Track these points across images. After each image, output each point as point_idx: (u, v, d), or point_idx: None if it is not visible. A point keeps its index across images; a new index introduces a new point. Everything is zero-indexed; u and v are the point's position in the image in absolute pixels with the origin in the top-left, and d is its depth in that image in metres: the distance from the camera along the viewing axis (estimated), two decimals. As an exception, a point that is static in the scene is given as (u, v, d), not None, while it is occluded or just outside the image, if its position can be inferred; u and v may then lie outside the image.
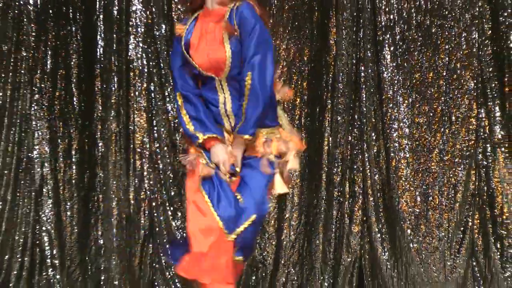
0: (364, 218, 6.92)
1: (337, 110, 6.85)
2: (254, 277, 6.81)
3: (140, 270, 6.81)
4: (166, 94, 6.82)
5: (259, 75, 4.39)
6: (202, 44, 4.66)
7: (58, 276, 6.77)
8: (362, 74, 6.87)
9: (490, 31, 6.80)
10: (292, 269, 6.80)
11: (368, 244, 6.87)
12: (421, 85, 6.89)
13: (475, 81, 6.85)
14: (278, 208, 6.82)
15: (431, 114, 6.89)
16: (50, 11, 6.75)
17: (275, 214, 6.83)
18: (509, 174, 6.80)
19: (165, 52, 6.81)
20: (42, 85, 6.77)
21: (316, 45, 6.88)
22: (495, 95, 6.81)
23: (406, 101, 6.89)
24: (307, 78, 6.96)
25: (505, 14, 6.80)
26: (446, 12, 6.87)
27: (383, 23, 6.86)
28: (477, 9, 6.80)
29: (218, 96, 4.67)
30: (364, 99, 6.84)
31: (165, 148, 6.85)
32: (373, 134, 6.88)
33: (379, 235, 6.88)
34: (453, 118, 6.87)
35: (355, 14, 6.87)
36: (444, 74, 6.88)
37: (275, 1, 6.83)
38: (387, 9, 6.89)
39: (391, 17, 6.88)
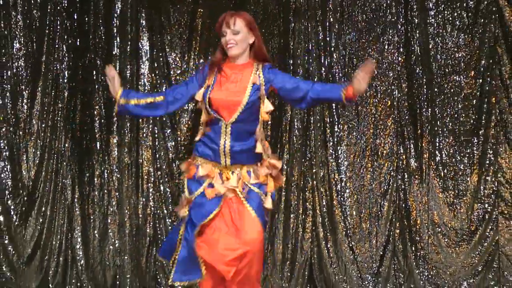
0: (313, 228, 8.19)
1: (292, 147, 8.23)
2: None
3: (146, 267, 8.20)
4: (167, 135, 8.31)
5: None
6: (224, 86, 5.11)
7: (84, 272, 8.19)
8: (312, 119, 8.21)
9: (406, 89, 8.21)
10: None
11: (316, 247, 8.19)
12: (358, 130, 8.24)
13: (395, 126, 8.22)
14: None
15: (363, 150, 8.24)
16: (80, 75, 8.33)
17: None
18: (420, 195, 8.14)
19: None
20: (73, 135, 8.25)
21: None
22: (410, 136, 8.19)
23: (344, 139, 8.25)
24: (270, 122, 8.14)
25: (418, 72, 8.21)
26: (377, 74, 8.20)
27: (323, 72, 8.23)
28: (397, 73, 8.24)
29: (220, 138, 5.11)
30: (313, 138, 8.21)
31: (165, 176, 8.33)
32: (320, 165, 8.23)
33: (324, 241, 8.19)
34: (379, 153, 8.23)
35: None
36: (373, 120, 8.23)
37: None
38: (338, 67, 8.27)
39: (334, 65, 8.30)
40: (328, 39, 8.40)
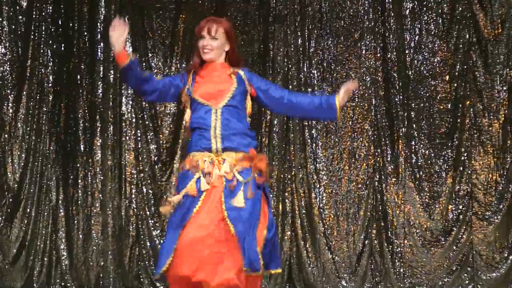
0: (292, 228, 8.43)
1: (272, 150, 8.48)
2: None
3: (129, 267, 8.41)
4: (149, 138, 8.53)
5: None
6: (207, 80, 5.19)
7: (68, 272, 8.35)
8: (291, 122, 8.47)
9: (383, 93, 8.44)
10: None
11: (295, 247, 8.42)
12: (336, 133, 8.50)
13: (372, 129, 8.46)
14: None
15: (341, 152, 8.48)
16: (64, 80, 8.51)
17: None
18: (396, 196, 8.37)
19: (148, 108, 8.53)
20: (57, 138, 8.47)
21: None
22: (387, 139, 8.42)
23: (322, 142, 8.50)
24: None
25: (395, 76, 8.45)
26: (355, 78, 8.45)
27: (302, 77, 8.45)
28: (374, 77, 8.47)
29: (211, 122, 5.08)
30: (292, 141, 8.47)
31: (148, 178, 8.53)
32: (298, 168, 8.48)
33: (303, 241, 8.42)
34: (357, 155, 8.47)
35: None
36: (350, 123, 8.49)
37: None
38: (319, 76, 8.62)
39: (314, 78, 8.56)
40: (307, 44, 8.60)
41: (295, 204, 8.54)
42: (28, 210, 8.40)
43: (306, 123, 8.57)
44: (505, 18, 8.47)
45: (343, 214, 8.50)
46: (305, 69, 8.63)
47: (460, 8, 8.52)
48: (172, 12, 8.71)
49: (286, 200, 8.55)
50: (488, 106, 8.46)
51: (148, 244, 8.53)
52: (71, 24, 8.65)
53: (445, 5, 8.56)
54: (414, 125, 8.50)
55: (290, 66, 8.62)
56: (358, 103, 8.57)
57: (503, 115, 8.42)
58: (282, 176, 8.56)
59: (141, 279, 8.49)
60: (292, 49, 8.63)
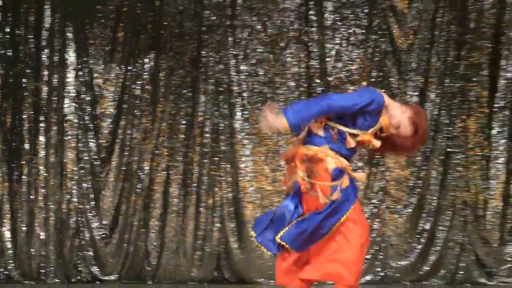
0: (221, 220, 9.05)
1: (203, 149, 9.12)
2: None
3: (70, 257, 9.04)
4: (89, 137, 9.16)
5: None
6: None
7: (12, 262, 8.95)
8: (221, 124, 9.12)
9: (305, 98, 9.02)
10: (170, 254, 9.06)
11: (224, 238, 9.04)
12: (261, 133, 9.03)
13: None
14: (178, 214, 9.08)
15: (267, 151, 9.12)
16: (11, 83, 9.15)
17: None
18: (317, 191, 9.22)
19: (89, 110, 9.17)
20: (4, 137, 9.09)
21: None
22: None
23: (249, 141, 9.12)
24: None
25: (317, 82, 9.07)
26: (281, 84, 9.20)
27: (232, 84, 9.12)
28: (298, 83, 9.16)
29: None
30: (222, 140, 9.11)
31: (88, 175, 9.15)
32: (228, 164, 9.13)
33: (231, 232, 9.02)
34: (280, 153, 8.58)
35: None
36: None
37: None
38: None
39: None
40: (236, 52, 9.29)
41: (223, 198, 9.20)
42: (-22, 203, 8.98)
43: (236, 124, 9.24)
44: (417, 30, 9.23)
45: (268, 206, 9.09)
46: (235, 76, 9.29)
47: (377, 21, 9.24)
48: (112, 21, 9.35)
49: (215, 194, 9.21)
50: (401, 109, 9.16)
51: (88, 235, 9.16)
52: (17, 31, 9.27)
53: (363, 18, 9.27)
54: (334, 127, 9.17)
55: (221, 73, 9.28)
56: (284, 106, 9.13)
57: (414, 118, 9.12)
58: (212, 171, 9.24)
59: (80, 269, 9.13)
60: (224, 57, 9.29)
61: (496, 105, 9.15)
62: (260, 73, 9.27)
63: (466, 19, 9.15)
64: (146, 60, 9.32)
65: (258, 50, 9.28)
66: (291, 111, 5.23)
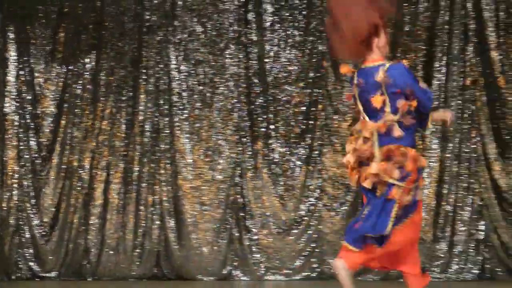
0: (161, 218, 9.20)
1: (143, 148, 9.24)
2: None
3: (9, 254, 9.12)
4: (30, 136, 9.25)
5: None
6: None
7: None
8: (161, 123, 9.25)
9: (244, 97, 9.26)
10: (110, 251, 9.19)
11: (164, 236, 9.19)
12: (202, 132, 9.26)
13: (235, 129, 9.27)
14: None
15: (207, 149, 9.25)
16: None
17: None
18: (255, 189, 9.20)
19: (30, 109, 9.26)
20: None
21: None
22: (247, 138, 9.24)
23: (189, 139, 9.28)
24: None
25: (256, 82, 9.32)
26: (220, 83, 9.44)
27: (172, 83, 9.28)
28: (237, 83, 9.35)
29: None
30: (162, 139, 9.27)
31: (28, 173, 9.25)
32: (168, 163, 9.27)
33: (170, 229, 9.17)
34: (221, 152, 9.25)
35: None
36: (216, 124, 9.30)
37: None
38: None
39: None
40: (177, 53, 9.43)
41: (163, 196, 9.35)
42: None
43: (176, 124, 9.38)
44: (353, 32, 9.42)
45: (207, 204, 9.32)
46: (175, 76, 9.43)
47: (315, 23, 9.44)
48: (54, 21, 9.44)
49: (155, 192, 9.36)
50: (337, 109, 9.39)
51: (28, 233, 9.24)
52: (-39, 31, 9.33)
53: (301, 20, 9.46)
54: (272, 126, 9.38)
55: (162, 73, 9.42)
56: (223, 105, 9.43)
57: (350, 117, 9.35)
58: (152, 170, 9.38)
59: (20, 265, 9.23)
60: (164, 57, 9.42)
61: (429, 105, 9.31)
62: (199, 74, 9.42)
63: (401, 22, 9.34)
64: (87, 60, 9.44)
65: (198, 50, 9.43)
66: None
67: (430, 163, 9.27)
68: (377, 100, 5.20)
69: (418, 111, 5.30)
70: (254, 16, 9.49)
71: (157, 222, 9.30)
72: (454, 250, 9.18)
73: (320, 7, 9.42)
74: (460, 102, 9.28)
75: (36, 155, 9.36)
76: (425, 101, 5.26)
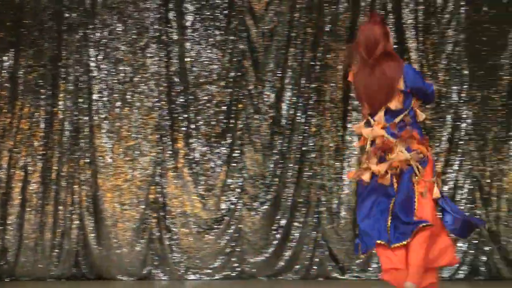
0: (80, 217, 9.16)
1: (63, 146, 9.22)
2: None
3: None
4: None
5: None
6: None
7: None
8: (79, 122, 9.26)
9: (165, 96, 9.35)
10: (28, 250, 9.11)
11: (82, 235, 9.17)
12: (122, 131, 9.24)
13: (156, 128, 9.30)
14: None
15: (127, 149, 9.24)
16: None
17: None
18: (175, 189, 9.22)
19: None
20: None
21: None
22: (168, 137, 9.26)
23: (109, 138, 9.24)
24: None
25: (176, 81, 9.35)
26: (141, 82, 9.45)
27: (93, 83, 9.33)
28: (158, 82, 9.50)
29: None
30: (82, 138, 9.23)
31: None
32: (86, 164, 9.22)
33: (90, 228, 9.15)
34: (142, 151, 9.23)
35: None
36: (136, 123, 9.34)
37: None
38: None
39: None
40: (97, 52, 9.41)
41: (82, 195, 9.32)
42: None
43: (95, 122, 9.35)
44: (274, 31, 9.50)
45: (127, 203, 9.31)
46: (95, 74, 9.40)
47: (235, 22, 9.48)
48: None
49: (74, 191, 9.32)
50: (258, 109, 9.45)
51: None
52: None
53: (222, 19, 9.49)
54: (192, 125, 9.40)
55: (81, 72, 9.38)
56: (143, 104, 9.42)
57: (271, 117, 9.40)
58: (71, 170, 9.35)
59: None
60: (84, 55, 9.40)
61: (350, 106, 9.43)
62: (120, 72, 9.40)
63: (321, 22, 9.40)
64: (5, 58, 9.32)
65: (118, 49, 9.40)
66: None
67: (350, 163, 9.39)
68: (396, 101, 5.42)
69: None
70: (175, 15, 9.48)
71: (76, 222, 9.24)
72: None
73: (240, 7, 9.44)
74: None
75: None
76: (429, 97, 5.61)
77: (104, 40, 9.42)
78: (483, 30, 9.36)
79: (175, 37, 9.49)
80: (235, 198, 9.40)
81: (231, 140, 9.47)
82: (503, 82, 9.33)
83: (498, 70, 9.33)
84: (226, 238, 9.34)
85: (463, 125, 9.33)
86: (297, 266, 9.33)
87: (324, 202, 9.39)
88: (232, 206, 9.38)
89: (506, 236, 9.17)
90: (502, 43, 9.35)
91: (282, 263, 9.32)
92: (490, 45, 9.34)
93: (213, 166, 9.44)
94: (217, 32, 9.53)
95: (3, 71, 9.32)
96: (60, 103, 9.34)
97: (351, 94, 9.40)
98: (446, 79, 9.37)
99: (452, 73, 9.37)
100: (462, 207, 9.11)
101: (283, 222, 9.37)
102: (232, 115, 9.48)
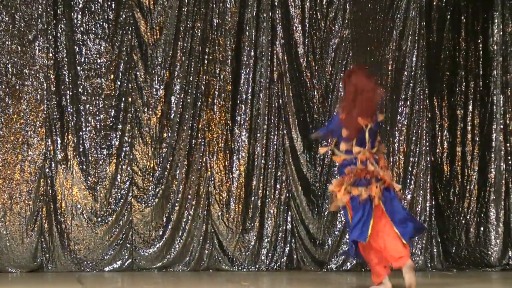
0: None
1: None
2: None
3: None
4: None
5: None
6: None
7: None
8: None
9: (54, 87, 9.28)
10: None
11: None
12: (9, 126, 9.28)
13: (44, 121, 9.25)
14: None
15: (14, 145, 9.28)
16: None
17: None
18: (65, 181, 9.22)
19: None
20: None
21: None
22: (58, 130, 9.25)
23: (0, 134, 9.42)
24: None
25: (65, 73, 9.43)
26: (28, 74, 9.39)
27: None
28: (44, 74, 9.52)
29: None
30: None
31: None
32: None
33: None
34: (30, 145, 9.20)
35: None
36: (23, 115, 9.29)
37: None
38: None
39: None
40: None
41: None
42: None
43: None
44: (163, 26, 9.58)
45: (17, 196, 9.29)
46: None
47: (124, 15, 9.52)
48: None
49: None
50: (147, 102, 9.54)
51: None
52: None
53: (110, 12, 9.52)
54: (82, 118, 9.41)
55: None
56: (32, 97, 9.37)
57: (160, 110, 9.48)
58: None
59: None
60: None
61: (239, 99, 9.59)
62: (8, 65, 9.33)
63: (210, 17, 9.54)
64: None
65: (6, 42, 9.34)
66: None
67: (240, 156, 9.53)
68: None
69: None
70: (63, 7, 9.48)
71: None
72: (263, 241, 9.48)
73: (129, 0, 9.52)
74: (267, 95, 9.59)
75: None
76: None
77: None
78: (368, 25, 9.64)
79: (63, 29, 9.49)
80: (125, 190, 9.43)
81: (121, 133, 9.52)
82: (388, 77, 9.62)
83: (383, 64, 9.60)
84: (117, 230, 9.36)
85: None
86: (187, 258, 9.44)
87: (214, 195, 9.48)
88: (122, 199, 9.42)
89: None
90: (386, 39, 9.64)
91: (172, 255, 9.42)
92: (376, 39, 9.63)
93: (103, 158, 9.45)
94: (105, 25, 9.57)
95: None
96: None
97: (239, 89, 9.56)
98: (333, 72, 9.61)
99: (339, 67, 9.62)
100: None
101: (173, 215, 9.45)
102: (122, 108, 9.54)
